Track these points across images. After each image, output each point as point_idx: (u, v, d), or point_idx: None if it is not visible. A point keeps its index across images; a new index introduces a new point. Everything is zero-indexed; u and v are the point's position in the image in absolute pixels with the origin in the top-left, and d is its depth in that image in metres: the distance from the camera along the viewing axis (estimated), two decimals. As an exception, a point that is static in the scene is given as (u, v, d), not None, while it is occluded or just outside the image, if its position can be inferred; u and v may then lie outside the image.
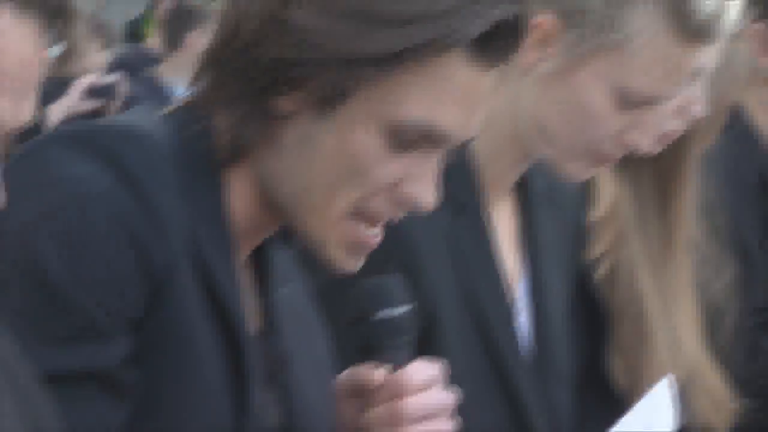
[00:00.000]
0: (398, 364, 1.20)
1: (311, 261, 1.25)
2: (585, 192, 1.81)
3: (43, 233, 1.11)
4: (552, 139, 1.57)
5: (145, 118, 1.27)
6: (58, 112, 5.50)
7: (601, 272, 1.87)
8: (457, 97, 1.19)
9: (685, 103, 1.75)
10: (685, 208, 1.94)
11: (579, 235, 1.78)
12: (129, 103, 5.67)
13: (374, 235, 1.23)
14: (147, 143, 1.19)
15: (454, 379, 1.23)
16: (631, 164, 1.86)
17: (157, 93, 6.94)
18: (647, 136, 1.68)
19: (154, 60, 7.90)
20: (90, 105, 5.68)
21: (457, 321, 1.53)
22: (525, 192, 1.70)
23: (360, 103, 1.16)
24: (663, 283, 1.90)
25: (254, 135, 1.19)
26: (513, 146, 1.58)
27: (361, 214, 1.20)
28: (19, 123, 0.76)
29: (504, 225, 1.66)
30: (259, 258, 1.32)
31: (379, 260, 1.26)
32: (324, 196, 1.19)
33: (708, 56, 1.64)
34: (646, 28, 1.53)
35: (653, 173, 1.93)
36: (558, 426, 1.65)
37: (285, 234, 1.28)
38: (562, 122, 1.56)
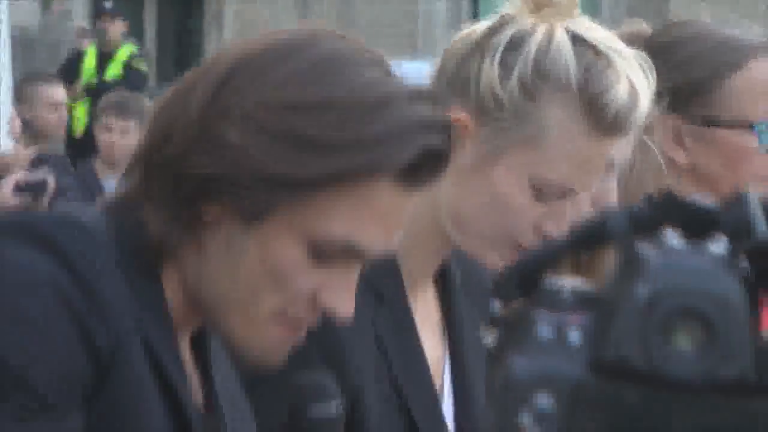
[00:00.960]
0: None
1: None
2: None
3: None
4: (470, 229, 1.61)
5: (81, 211, 1.40)
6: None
7: None
8: (380, 218, 1.24)
9: (600, 193, 1.76)
10: None
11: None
12: (58, 197, 5.89)
13: (296, 337, 1.27)
14: (85, 232, 1.23)
15: None
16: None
17: (89, 187, 7.06)
18: (563, 226, 1.65)
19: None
20: (19, 200, 5.68)
21: (383, 409, 1.52)
22: (446, 281, 1.72)
23: (283, 218, 1.21)
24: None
25: (179, 237, 1.23)
26: (433, 237, 1.62)
27: (283, 318, 1.24)
28: None
29: (427, 313, 1.68)
30: (199, 342, 1.35)
31: (303, 353, 1.26)
32: (246, 300, 1.23)
33: (621, 148, 1.71)
34: (560, 122, 1.57)
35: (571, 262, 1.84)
36: None
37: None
38: (481, 214, 1.60)
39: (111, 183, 6.80)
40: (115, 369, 1.18)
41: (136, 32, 15.70)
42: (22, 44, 12.07)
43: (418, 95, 1.29)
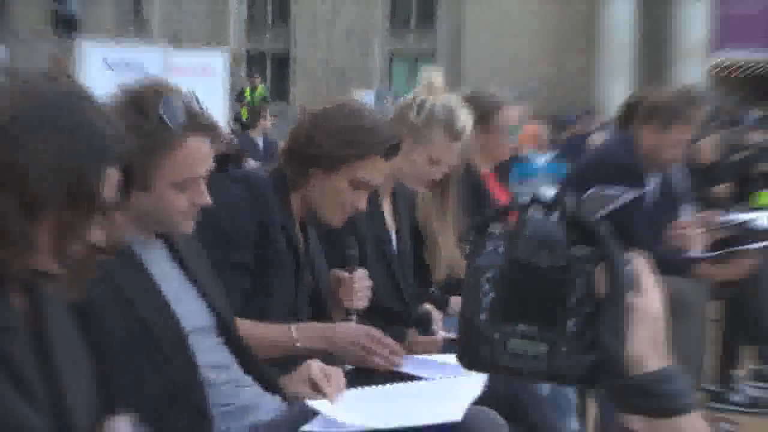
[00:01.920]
0: None
1: None
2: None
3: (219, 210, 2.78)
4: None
5: (260, 169, 4.11)
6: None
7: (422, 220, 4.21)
8: (378, 172, 3.17)
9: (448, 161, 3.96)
10: (453, 203, 4.08)
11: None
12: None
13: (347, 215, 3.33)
14: (260, 177, 3.23)
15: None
16: (432, 186, 4.02)
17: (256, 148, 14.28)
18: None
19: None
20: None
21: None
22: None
23: (341, 173, 3.13)
24: (443, 228, 3.99)
25: (301, 180, 3.17)
26: None
27: (344, 209, 3.20)
28: None
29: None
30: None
31: None
32: (330, 204, 3.18)
33: (460, 144, 4.03)
34: (439, 135, 3.74)
35: (439, 189, 4.03)
36: None
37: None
38: (411, 167, 3.77)
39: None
40: (267, 234, 3.04)
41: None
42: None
43: (385, 122, 3.35)
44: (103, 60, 10.92)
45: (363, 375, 2.96)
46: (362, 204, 3.17)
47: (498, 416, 2.70)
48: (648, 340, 1.24)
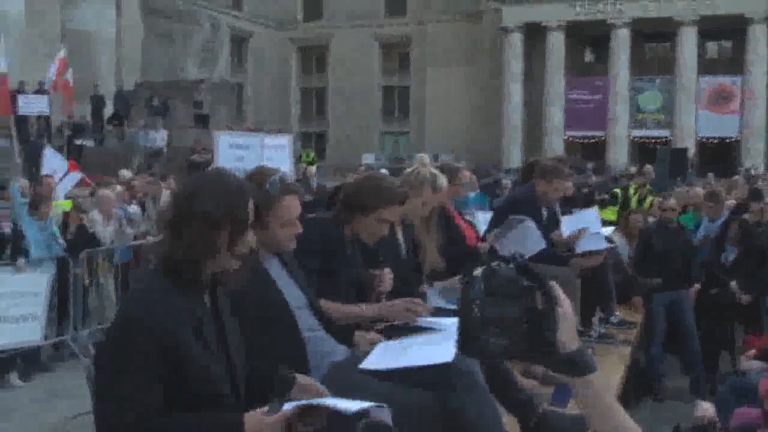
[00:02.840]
0: None
1: None
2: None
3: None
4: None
5: (328, 214, 4.20)
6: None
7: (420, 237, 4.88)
8: (396, 213, 4.10)
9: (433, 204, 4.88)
10: (433, 227, 5.01)
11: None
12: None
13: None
14: (328, 221, 4.08)
15: None
16: (423, 218, 4.93)
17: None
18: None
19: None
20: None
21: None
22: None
23: (373, 215, 3.95)
24: (428, 242, 4.99)
25: (350, 220, 4.04)
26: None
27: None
28: None
29: None
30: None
31: None
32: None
33: (439, 195, 4.92)
34: (427, 191, 4.91)
35: (426, 219, 4.99)
36: None
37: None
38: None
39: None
40: (333, 252, 4.02)
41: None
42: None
43: (397, 184, 4.18)
44: (228, 143, 13.40)
45: (391, 329, 3.76)
46: (385, 232, 4.07)
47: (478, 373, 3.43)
48: (568, 332, 1.71)
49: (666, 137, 47.37)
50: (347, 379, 3.12)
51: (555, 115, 49.47)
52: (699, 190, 12.78)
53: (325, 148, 56.38)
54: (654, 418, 7.84)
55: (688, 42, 47.37)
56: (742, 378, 6.90)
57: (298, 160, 22.76)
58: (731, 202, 11.29)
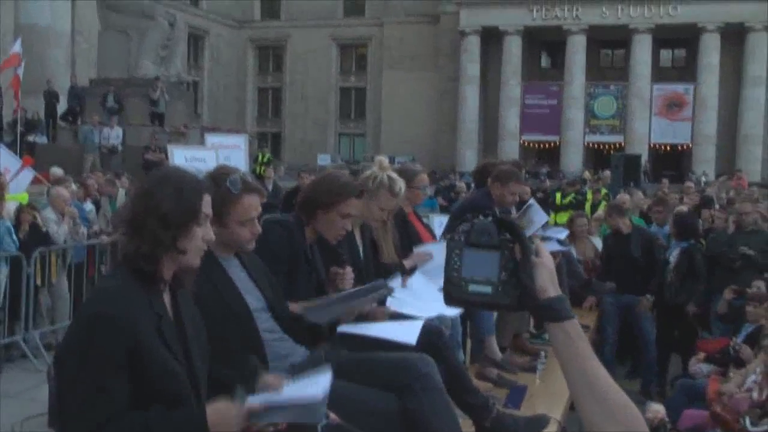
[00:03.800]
0: None
1: None
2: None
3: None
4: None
5: (289, 215, 4.16)
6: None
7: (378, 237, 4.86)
8: (355, 206, 4.07)
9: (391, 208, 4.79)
10: (391, 229, 5.10)
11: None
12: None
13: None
14: (289, 220, 4.02)
15: None
16: (380, 221, 4.90)
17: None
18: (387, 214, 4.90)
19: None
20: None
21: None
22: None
23: (334, 210, 3.97)
24: (386, 242, 5.03)
25: (311, 219, 4.04)
26: None
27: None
28: None
29: None
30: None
31: None
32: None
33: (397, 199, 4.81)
34: (385, 195, 4.77)
35: (384, 222, 5.00)
36: None
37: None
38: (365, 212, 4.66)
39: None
40: (295, 252, 4.02)
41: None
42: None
43: (351, 177, 4.31)
44: (183, 157, 13.82)
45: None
46: (349, 226, 4.10)
47: (427, 356, 3.66)
48: (547, 280, 1.78)
49: (620, 143, 48.14)
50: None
51: (511, 119, 49.93)
52: (640, 195, 12.95)
53: (280, 149, 56.35)
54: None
55: (642, 50, 48.21)
56: (692, 381, 7.02)
57: (254, 160, 23.04)
58: (682, 208, 11.33)
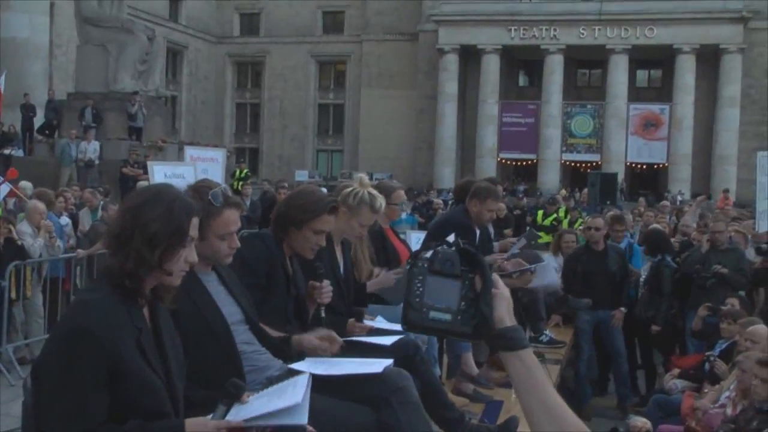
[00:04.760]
0: None
1: None
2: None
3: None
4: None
5: (268, 230, 4.19)
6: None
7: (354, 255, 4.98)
8: (328, 222, 4.08)
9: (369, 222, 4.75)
10: (367, 244, 5.27)
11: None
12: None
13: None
14: (268, 235, 4.11)
15: None
16: (359, 237, 4.96)
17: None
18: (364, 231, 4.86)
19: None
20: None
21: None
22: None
23: (307, 227, 3.96)
24: (363, 257, 5.22)
25: (285, 235, 4.06)
26: None
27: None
28: None
29: None
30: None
31: None
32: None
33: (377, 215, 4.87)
34: (366, 211, 4.76)
35: (361, 238, 5.07)
36: None
37: None
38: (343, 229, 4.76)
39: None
40: (272, 266, 4.02)
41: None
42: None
43: (324, 193, 4.31)
44: (163, 173, 13.30)
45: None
46: (323, 242, 4.08)
47: (403, 370, 3.72)
48: (504, 310, 1.83)
49: (596, 161, 48.35)
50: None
51: (488, 137, 50.16)
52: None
53: (258, 165, 56.34)
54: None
55: (619, 70, 48.52)
56: (666, 396, 7.11)
57: (231, 175, 22.89)
58: (656, 226, 11.48)
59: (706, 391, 6.59)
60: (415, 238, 8.81)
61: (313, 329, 3.88)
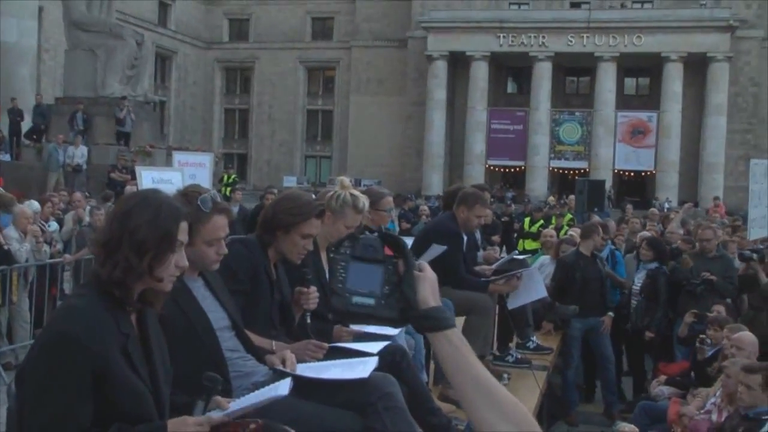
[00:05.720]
0: None
1: None
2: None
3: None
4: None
5: (252, 236, 4.15)
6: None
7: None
8: (316, 226, 4.10)
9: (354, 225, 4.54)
10: None
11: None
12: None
13: None
14: (252, 240, 4.02)
15: None
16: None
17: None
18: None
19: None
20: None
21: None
22: None
23: (294, 231, 3.96)
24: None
25: (273, 240, 4.05)
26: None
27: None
28: None
29: None
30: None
31: None
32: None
33: (361, 217, 4.74)
34: (350, 213, 4.70)
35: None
36: None
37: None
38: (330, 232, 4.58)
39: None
40: (257, 272, 4.03)
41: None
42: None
43: (312, 198, 4.33)
44: (151, 179, 13.56)
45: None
46: (310, 247, 4.06)
47: (390, 376, 3.69)
48: (428, 292, 1.83)
49: (584, 168, 48.39)
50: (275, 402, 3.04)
51: (477, 143, 50.29)
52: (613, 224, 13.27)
53: (246, 170, 56.39)
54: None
55: (607, 77, 48.67)
56: (653, 402, 7.14)
57: (219, 180, 22.75)
58: (645, 233, 11.46)
59: (691, 397, 6.64)
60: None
61: (299, 335, 3.89)
